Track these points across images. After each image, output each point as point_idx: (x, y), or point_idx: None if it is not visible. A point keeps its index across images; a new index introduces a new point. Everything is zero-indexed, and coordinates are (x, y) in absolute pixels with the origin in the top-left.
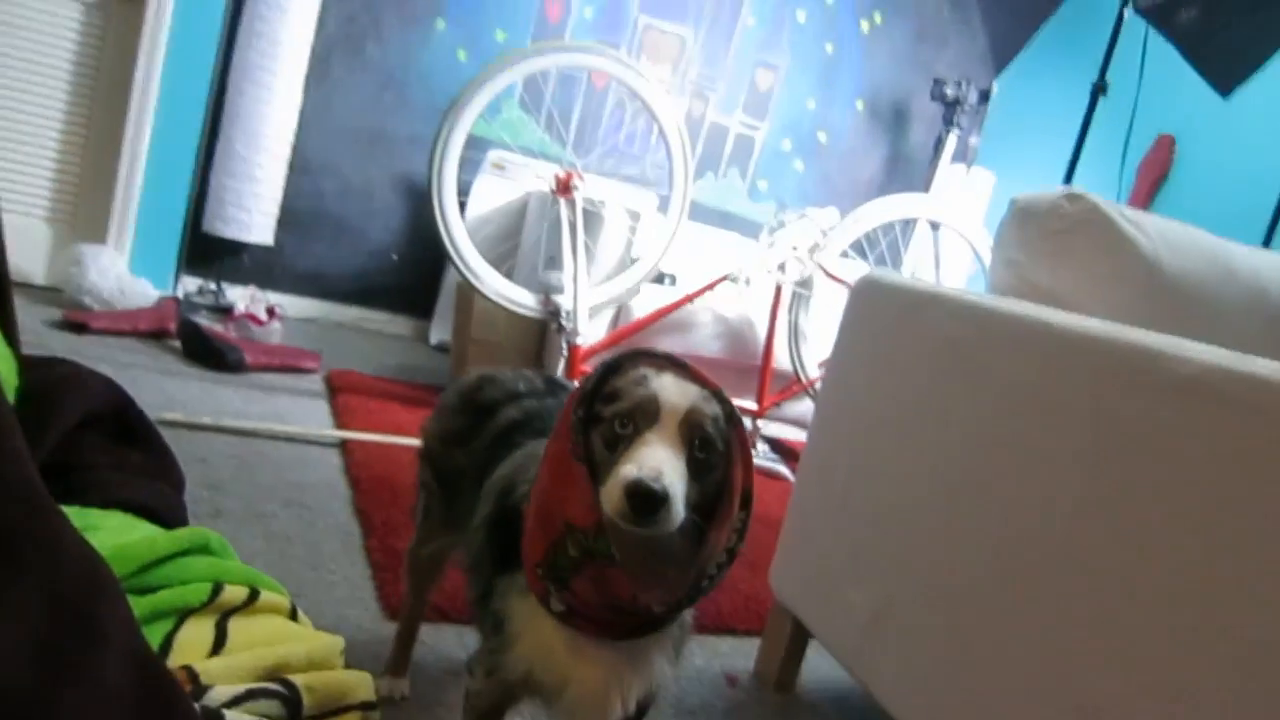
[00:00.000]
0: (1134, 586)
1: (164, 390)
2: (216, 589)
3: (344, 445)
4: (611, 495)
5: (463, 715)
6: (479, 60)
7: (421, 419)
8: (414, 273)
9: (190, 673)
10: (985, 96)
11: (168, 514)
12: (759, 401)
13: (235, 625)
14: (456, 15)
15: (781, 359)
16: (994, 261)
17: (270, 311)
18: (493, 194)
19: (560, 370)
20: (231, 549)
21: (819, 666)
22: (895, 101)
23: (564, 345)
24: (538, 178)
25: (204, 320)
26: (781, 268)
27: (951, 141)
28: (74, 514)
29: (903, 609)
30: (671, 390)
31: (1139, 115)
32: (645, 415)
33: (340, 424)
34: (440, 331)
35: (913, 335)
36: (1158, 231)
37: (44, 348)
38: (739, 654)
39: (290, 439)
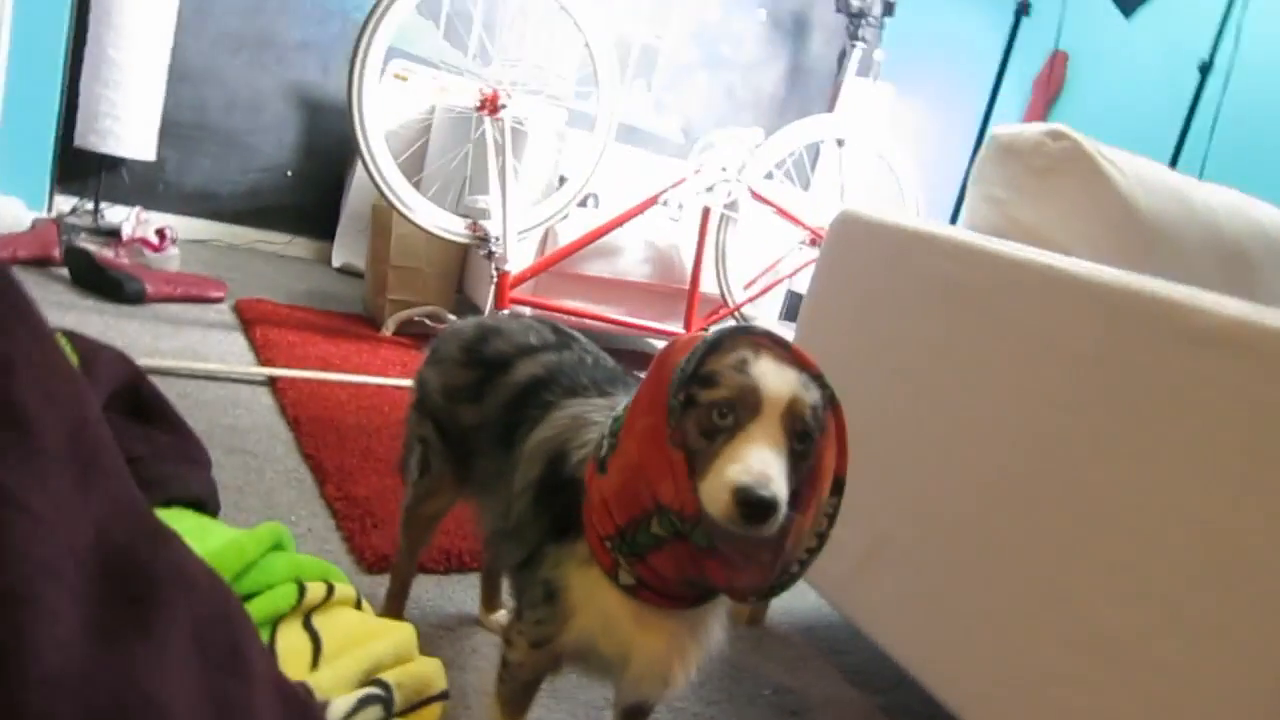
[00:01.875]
0: (1143, 529)
1: (59, 325)
2: (301, 590)
3: (274, 383)
4: (718, 498)
5: (499, 686)
6: None
7: (345, 352)
8: (312, 191)
9: (307, 689)
10: (890, 8)
11: (212, 502)
12: (687, 326)
13: (320, 624)
14: None
15: (707, 282)
16: (973, 197)
17: (162, 235)
18: (394, 107)
19: (489, 298)
20: (291, 537)
21: (781, 598)
22: (797, 11)
23: (493, 272)
24: (443, 90)
25: (87, 244)
26: (710, 189)
27: (856, 54)
28: None
29: (895, 547)
30: (773, 378)
31: (1040, 32)
32: (747, 406)
33: (264, 359)
34: (345, 254)
35: (904, 276)
36: (1132, 169)
37: None
38: None
39: (215, 377)
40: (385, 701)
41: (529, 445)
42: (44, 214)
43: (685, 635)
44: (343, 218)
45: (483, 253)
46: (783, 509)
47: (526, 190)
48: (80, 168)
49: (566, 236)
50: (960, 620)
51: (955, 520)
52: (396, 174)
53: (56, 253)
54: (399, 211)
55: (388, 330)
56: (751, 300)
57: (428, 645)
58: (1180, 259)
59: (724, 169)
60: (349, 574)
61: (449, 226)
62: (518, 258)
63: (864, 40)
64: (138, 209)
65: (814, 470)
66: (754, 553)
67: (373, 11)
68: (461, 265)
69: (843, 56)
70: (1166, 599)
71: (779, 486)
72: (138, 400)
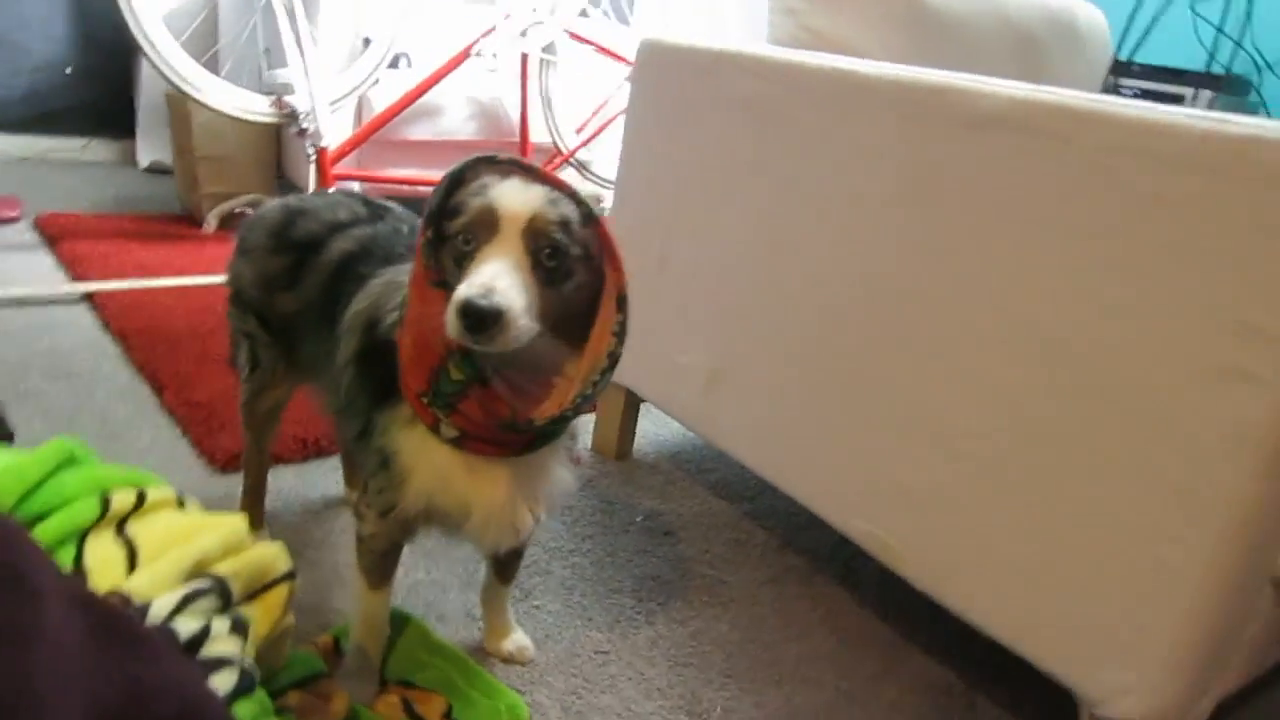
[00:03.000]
0: (954, 310)
1: None
2: (105, 501)
3: (91, 299)
4: (449, 317)
5: (359, 561)
6: None
7: (167, 256)
8: (100, 87)
9: (121, 598)
10: None
11: None
12: None
13: (136, 531)
14: None
15: (538, 132)
16: (772, 10)
17: None
18: None
19: (311, 178)
20: (91, 451)
21: (646, 429)
22: None
23: (309, 150)
24: None
25: None
26: (524, 35)
27: None
28: None
29: (737, 366)
30: (512, 197)
31: None
32: (485, 227)
33: (76, 275)
34: (151, 151)
35: (712, 97)
36: None
37: None
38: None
39: (24, 303)
40: (218, 592)
41: (346, 319)
42: None
43: (524, 480)
44: (140, 112)
45: (294, 131)
46: (514, 319)
47: (329, 57)
48: None
49: (382, 103)
50: (804, 425)
51: (786, 331)
52: (183, 57)
53: None
54: (192, 98)
55: (210, 227)
56: (586, 144)
57: (295, 532)
58: (975, 51)
59: (535, 10)
60: (202, 478)
61: (252, 107)
62: (334, 132)
63: None
64: None
65: (601, 291)
66: (538, 379)
67: None
68: (277, 147)
69: None
70: (977, 371)
71: (505, 296)
72: None
